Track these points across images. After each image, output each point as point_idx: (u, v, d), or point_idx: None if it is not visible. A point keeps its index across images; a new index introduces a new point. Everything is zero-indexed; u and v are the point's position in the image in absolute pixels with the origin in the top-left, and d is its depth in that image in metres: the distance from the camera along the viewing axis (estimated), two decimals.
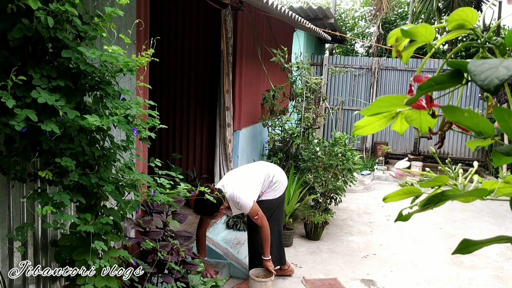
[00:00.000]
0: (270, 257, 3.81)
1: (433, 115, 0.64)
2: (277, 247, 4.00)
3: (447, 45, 11.19)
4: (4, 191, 2.13)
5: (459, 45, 0.69)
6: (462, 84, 0.58)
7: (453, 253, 0.67)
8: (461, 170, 0.78)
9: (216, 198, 3.09)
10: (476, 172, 0.79)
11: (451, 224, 6.00)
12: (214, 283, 3.28)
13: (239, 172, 3.86)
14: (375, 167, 8.97)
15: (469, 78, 0.56)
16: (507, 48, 0.61)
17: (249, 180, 3.74)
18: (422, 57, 8.88)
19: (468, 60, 0.56)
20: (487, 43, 0.63)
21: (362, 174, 8.59)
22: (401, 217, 0.68)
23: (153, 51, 2.19)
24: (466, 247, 0.61)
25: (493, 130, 0.59)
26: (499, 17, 10.04)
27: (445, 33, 0.70)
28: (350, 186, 5.65)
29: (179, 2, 5.10)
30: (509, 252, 5.04)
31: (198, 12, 5.03)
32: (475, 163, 0.91)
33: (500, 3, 10.88)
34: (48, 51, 1.96)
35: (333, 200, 5.57)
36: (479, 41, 0.63)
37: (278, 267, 4.08)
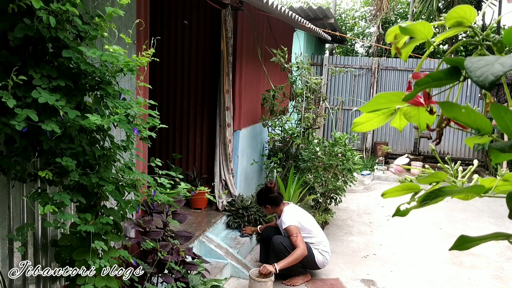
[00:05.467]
0: (277, 272, 3.82)
1: (431, 112, 0.64)
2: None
3: (447, 45, 11.19)
4: (4, 191, 2.13)
5: (457, 43, 0.69)
6: (460, 81, 0.58)
7: (450, 249, 0.67)
8: (460, 168, 0.78)
9: (272, 196, 4.10)
10: (476, 172, 0.79)
11: (451, 224, 6.00)
12: (214, 283, 3.28)
13: (306, 213, 4.34)
14: (375, 167, 8.96)
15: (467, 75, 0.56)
16: (505, 46, 0.62)
17: (306, 215, 4.22)
18: (422, 57, 8.87)
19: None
20: (485, 40, 0.63)
21: (362, 174, 8.59)
22: (399, 213, 0.68)
23: (154, 51, 2.19)
24: (464, 243, 0.61)
25: (490, 127, 0.59)
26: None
27: (444, 31, 0.70)
28: (350, 186, 5.65)
29: (179, 2, 5.11)
30: (509, 252, 5.03)
31: (198, 12, 5.04)
32: (475, 161, 0.91)
33: (500, 2, 10.88)
34: (48, 51, 1.96)
35: (333, 200, 5.58)
36: (477, 38, 0.63)
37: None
